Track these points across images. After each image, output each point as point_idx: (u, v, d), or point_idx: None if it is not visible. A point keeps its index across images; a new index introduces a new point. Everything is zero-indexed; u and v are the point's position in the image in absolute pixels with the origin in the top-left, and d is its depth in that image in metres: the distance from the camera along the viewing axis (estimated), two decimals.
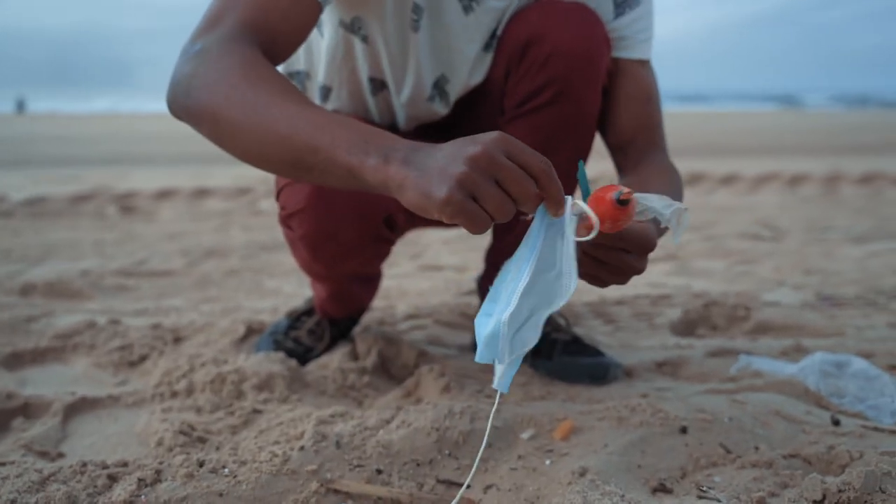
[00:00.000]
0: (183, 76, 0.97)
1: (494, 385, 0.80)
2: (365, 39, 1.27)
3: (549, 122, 1.29)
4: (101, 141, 10.74)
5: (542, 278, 0.80)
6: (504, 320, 0.78)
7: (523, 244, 0.82)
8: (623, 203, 0.79)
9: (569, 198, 0.82)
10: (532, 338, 0.80)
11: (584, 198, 0.84)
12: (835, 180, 5.39)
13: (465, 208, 0.76)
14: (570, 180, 1.36)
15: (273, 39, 1.04)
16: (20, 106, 29.58)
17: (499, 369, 0.80)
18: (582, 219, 0.82)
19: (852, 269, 2.56)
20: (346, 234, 1.32)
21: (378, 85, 1.37)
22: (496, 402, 0.86)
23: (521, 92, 1.30)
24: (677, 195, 1.19)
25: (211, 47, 0.97)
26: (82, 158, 7.98)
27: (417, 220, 1.44)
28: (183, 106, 0.97)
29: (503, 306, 0.80)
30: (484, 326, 0.80)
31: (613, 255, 0.90)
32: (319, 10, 1.09)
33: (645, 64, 1.33)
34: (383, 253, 1.47)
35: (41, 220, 3.88)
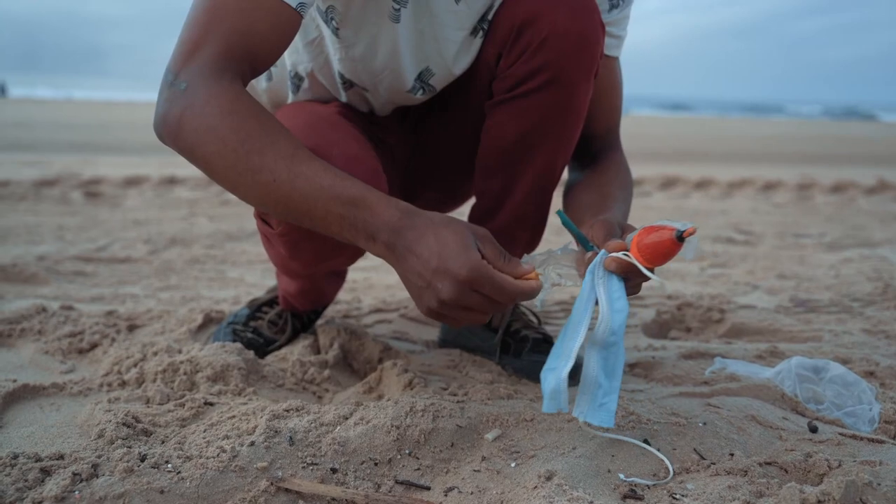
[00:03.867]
0: (172, 116, 1.00)
1: (587, 419, 0.98)
2: (336, 32, 1.20)
3: (539, 108, 1.23)
4: (72, 127, 10.55)
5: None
6: (563, 377, 0.94)
7: (577, 304, 0.96)
8: (682, 240, 0.88)
9: (601, 252, 0.95)
10: (620, 360, 0.98)
11: (582, 242, 0.99)
12: (807, 188, 5.42)
13: (443, 320, 0.98)
14: (552, 177, 1.31)
15: (254, 62, 1.05)
16: (2, 90, 29.17)
17: (583, 404, 0.98)
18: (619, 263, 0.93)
19: (826, 274, 2.54)
20: None
21: (349, 83, 1.31)
22: None
23: (514, 75, 1.23)
24: (629, 197, 1.27)
25: (197, 88, 0.99)
26: (50, 144, 7.82)
27: None
28: (174, 144, 1.02)
29: (564, 362, 0.95)
30: (548, 382, 0.95)
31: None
32: (300, 19, 1.05)
33: (617, 62, 1.35)
34: (362, 251, 1.40)
35: (2, 204, 3.77)
